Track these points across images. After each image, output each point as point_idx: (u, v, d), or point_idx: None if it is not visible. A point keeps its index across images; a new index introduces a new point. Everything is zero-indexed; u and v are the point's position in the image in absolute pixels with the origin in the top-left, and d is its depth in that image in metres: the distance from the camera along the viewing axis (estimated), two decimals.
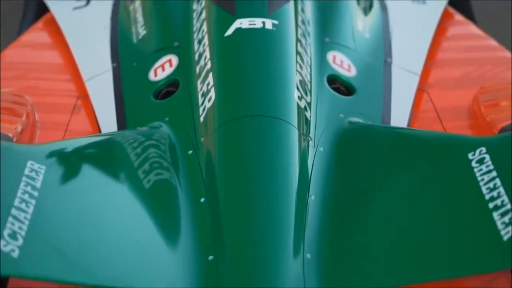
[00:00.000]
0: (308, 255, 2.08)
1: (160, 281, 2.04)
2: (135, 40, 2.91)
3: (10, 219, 1.92)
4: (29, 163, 2.09)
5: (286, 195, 2.18)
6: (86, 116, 2.73)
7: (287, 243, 2.09)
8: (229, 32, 2.57)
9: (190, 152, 2.37)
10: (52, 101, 2.81)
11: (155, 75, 2.71)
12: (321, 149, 2.36)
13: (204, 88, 2.48)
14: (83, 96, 2.80)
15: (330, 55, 2.73)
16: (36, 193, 2.02)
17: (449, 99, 2.77)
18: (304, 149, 2.31)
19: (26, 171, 2.07)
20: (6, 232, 1.88)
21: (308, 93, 2.49)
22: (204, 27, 2.67)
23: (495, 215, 1.95)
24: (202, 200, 2.22)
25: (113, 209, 2.14)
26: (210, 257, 2.09)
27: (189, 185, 2.27)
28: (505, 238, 1.90)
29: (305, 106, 2.42)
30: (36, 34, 3.22)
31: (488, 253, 1.92)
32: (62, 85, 2.91)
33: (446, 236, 2.01)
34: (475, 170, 2.08)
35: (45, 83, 2.93)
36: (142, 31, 2.91)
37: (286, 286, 2.01)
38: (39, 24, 3.28)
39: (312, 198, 2.21)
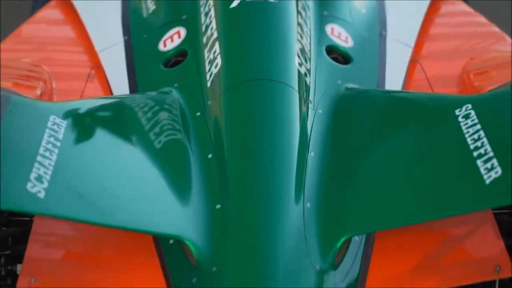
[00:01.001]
0: (308, 204, 2.26)
1: (171, 226, 2.22)
2: (145, 15, 3.09)
3: (36, 164, 2.11)
4: (51, 118, 2.28)
5: (288, 151, 2.36)
6: (100, 84, 2.91)
7: (289, 193, 2.27)
8: (234, 4, 2.75)
9: (198, 114, 2.55)
10: (67, 70, 3.00)
11: (164, 45, 2.89)
12: (320, 111, 2.54)
13: (211, 56, 2.66)
14: (97, 66, 2.98)
15: (328, 27, 2.91)
16: (58, 144, 2.21)
17: (440, 69, 2.95)
18: (304, 111, 2.49)
19: (49, 124, 2.25)
20: (32, 176, 2.07)
21: (308, 61, 2.67)
22: (211, 1, 2.85)
23: (479, 162, 2.14)
24: (210, 156, 2.40)
25: (128, 161, 2.33)
26: (218, 206, 2.26)
27: (198, 143, 2.45)
28: (488, 181, 2.09)
29: (305, 72, 2.60)
30: (50, 11, 3.40)
31: (473, 195, 2.11)
32: (76, 56, 3.09)
33: (435, 182, 2.19)
34: (461, 124, 2.26)
35: (60, 54, 3.12)
36: (151, 6, 3.09)
37: (288, 231, 2.19)
38: (53, 2, 3.45)
39: (311, 154, 2.38)
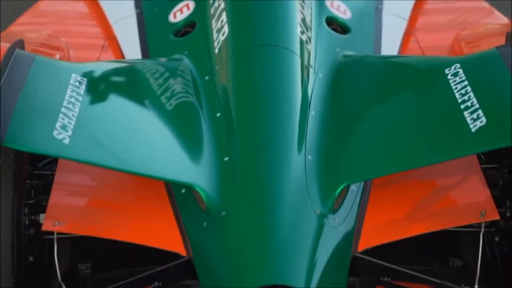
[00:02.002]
0: (309, 157, 2.45)
1: (184, 175, 2.41)
2: None
3: (61, 115, 2.31)
4: (73, 75, 2.48)
5: (290, 110, 2.55)
6: (114, 54, 3.11)
7: (291, 146, 2.46)
8: None
9: (207, 78, 2.74)
10: (83, 41, 3.20)
11: (174, 17, 3.09)
12: (320, 75, 2.73)
13: (219, 25, 2.86)
14: (110, 37, 3.18)
15: (328, 1, 3.11)
16: (80, 98, 2.41)
17: (433, 40, 3.15)
18: (306, 74, 2.69)
19: (71, 81, 2.45)
20: (58, 125, 2.27)
21: (309, 30, 2.87)
22: None
23: (466, 113, 2.33)
24: (218, 114, 2.59)
25: (144, 117, 2.53)
26: (226, 158, 2.46)
27: (207, 104, 2.65)
28: (473, 130, 2.29)
29: (306, 40, 2.80)
30: None
31: (460, 142, 2.31)
32: (91, 29, 3.30)
33: (426, 132, 2.39)
34: (450, 81, 2.46)
35: (75, 27, 3.33)
36: None
37: (290, 180, 2.38)
38: None
39: (312, 113, 2.58)
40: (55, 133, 2.25)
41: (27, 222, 2.55)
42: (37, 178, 2.64)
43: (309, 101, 2.61)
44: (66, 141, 2.25)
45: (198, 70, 2.80)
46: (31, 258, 2.59)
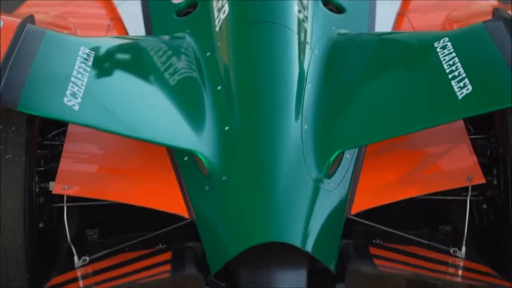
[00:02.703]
0: (306, 126, 2.59)
1: (187, 142, 2.55)
2: None
3: (71, 84, 2.44)
4: (81, 48, 2.62)
5: (287, 83, 2.69)
6: (119, 33, 3.25)
7: (288, 116, 2.59)
8: None
9: (208, 54, 2.88)
10: (89, 22, 3.33)
11: None
12: (316, 51, 2.87)
13: (219, 5, 2.99)
14: (115, 18, 3.32)
15: None
16: (88, 69, 2.54)
17: (425, 20, 3.29)
18: (302, 50, 2.82)
19: (80, 53, 2.59)
20: (68, 92, 2.41)
21: (306, 9, 3.01)
22: None
23: (453, 82, 2.47)
24: (219, 87, 2.73)
25: (150, 88, 2.67)
26: (226, 128, 2.59)
27: (208, 78, 2.78)
28: (460, 97, 2.42)
29: (303, 18, 2.93)
30: None
31: (448, 109, 2.44)
32: (96, 10, 3.44)
33: (416, 100, 2.53)
34: (439, 53, 2.60)
35: (81, 8, 3.46)
36: None
37: (287, 148, 2.51)
38: None
39: (308, 86, 2.71)
40: (65, 99, 2.38)
41: (37, 190, 2.68)
42: (47, 148, 2.78)
43: (306, 75, 2.74)
44: (76, 108, 2.39)
45: (199, 47, 2.93)
46: (41, 225, 2.73)
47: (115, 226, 2.74)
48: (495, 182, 2.71)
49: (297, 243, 2.31)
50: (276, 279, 2.30)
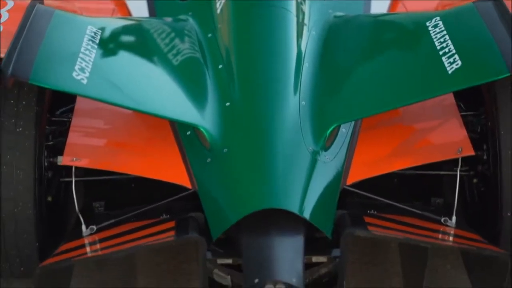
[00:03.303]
0: (303, 102, 2.71)
1: (190, 116, 2.66)
2: None
3: (79, 59, 2.57)
4: (89, 27, 2.74)
5: (286, 61, 2.81)
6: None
7: (287, 93, 2.71)
8: None
9: (209, 35, 3.00)
10: (94, 6, 3.44)
11: None
12: (313, 32, 2.99)
13: None
14: (120, 4, 3.43)
15: None
16: (95, 46, 2.67)
17: (419, 5, 3.40)
18: (300, 32, 2.94)
19: (87, 32, 2.71)
20: (77, 67, 2.53)
21: None
22: None
23: (444, 58, 2.59)
24: (220, 66, 2.85)
25: (154, 66, 2.79)
26: (227, 104, 2.71)
27: (210, 58, 2.90)
28: (450, 72, 2.54)
29: (301, 1, 3.05)
30: None
31: (439, 83, 2.57)
32: None
33: (409, 76, 2.65)
34: (431, 31, 2.72)
35: None
36: None
37: (285, 122, 2.63)
38: None
39: (306, 65, 2.83)
40: (74, 74, 2.51)
41: (46, 164, 2.80)
42: (55, 124, 2.90)
43: (303, 55, 2.86)
44: (84, 81, 2.51)
45: (201, 29, 3.05)
46: (49, 198, 2.85)
47: (120, 200, 2.85)
48: (485, 156, 2.83)
49: (294, 209, 2.43)
50: (274, 244, 2.40)
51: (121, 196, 2.88)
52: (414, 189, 2.92)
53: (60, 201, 2.97)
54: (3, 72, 2.46)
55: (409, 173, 2.87)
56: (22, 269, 2.77)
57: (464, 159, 2.81)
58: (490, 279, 2.54)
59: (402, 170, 2.82)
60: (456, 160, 2.71)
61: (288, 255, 2.39)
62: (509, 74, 2.48)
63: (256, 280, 2.32)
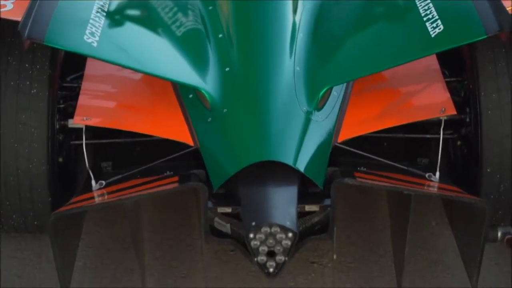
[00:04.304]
0: (297, 68, 2.90)
1: (192, 79, 2.86)
2: None
3: (89, 25, 2.77)
4: None
5: (281, 31, 3.00)
6: None
7: (282, 59, 2.91)
8: None
9: (210, 8, 3.20)
10: None
11: None
12: (307, 6, 3.18)
13: None
14: None
15: None
16: (104, 14, 2.86)
17: None
18: (295, 4, 3.14)
19: (96, 2, 2.90)
20: (87, 31, 2.73)
21: None
22: None
23: (427, 23, 2.79)
24: (221, 35, 3.04)
25: (159, 34, 2.98)
26: (227, 69, 2.91)
27: (211, 28, 3.09)
28: (433, 35, 2.74)
29: None
30: None
31: (422, 45, 2.76)
32: None
33: (395, 40, 2.85)
34: (416, 1, 2.91)
35: None
36: None
37: (281, 85, 2.82)
38: None
39: (300, 35, 3.03)
40: (85, 37, 2.71)
41: (57, 127, 3.01)
42: (66, 90, 3.10)
43: (298, 25, 3.06)
44: (95, 44, 2.71)
45: (203, 2, 3.25)
46: (60, 159, 3.06)
47: (127, 162, 3.05)
48: (467, 119, 3.04)
49: (289, 162, 2.63)
50: (270, 192, 2.61)
51: (127, 159, 3.08)
52: (402, 152, 3.12)
53: (70, 163, 3.18)
54: (20, 34, 2.66)
55: (398, 136, 3.08)
56: (36, 223, 2.98)
57: (449, 123, 3.03)
58: (470, 227, 2.75)
59: (390, 133, 3.04)
60: (441, 125, 2.91)
61: (282, 201, 2.60)
62: (486, 36, 2.68)
63: (254, 223, 2.53)
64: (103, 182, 2.86)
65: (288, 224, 2.53)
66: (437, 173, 2.87)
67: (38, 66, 2.88)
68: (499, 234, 3.07)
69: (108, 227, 3.23)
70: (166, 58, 2.90)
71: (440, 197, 2.97)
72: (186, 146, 2.84)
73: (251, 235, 2.55)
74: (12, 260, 3.12)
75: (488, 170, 2.90)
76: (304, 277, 3.03)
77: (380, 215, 3.24)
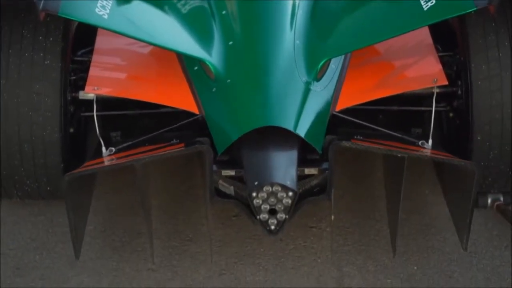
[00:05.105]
0: (297, 41, 3.06)
1: (198, 51, 3.01)
2: None
3: None
4: None
5: (282, 8, 3.15)
6: None
7: (283, 33, 3.06)
8: None
9: None
10: None
11: None
12: None
13: None
14: None
15: None
16: None
17: None
18: None
19: None
20: (99, 4, 2.88)
21: None
22: None
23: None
24: (224, 12, 3.20)
25: (167, 11, 3.13)
26: (230, 43, 3.06)
27: (215, 6, 3.24)
28: (425, 9, 2.89)
29: None
30: None
31: (416, 18, 2.92)
32: None
33: (390, 15, 3.00)
34: None
35: None
36: None
37: (281, 57, 2.97)
38: None
39: (300, 12, 3.18)
40: (96, 10, 2.87)
41: (69, 98, 3.16)
42: (77, 63, 3.26)
43: (298, 3, 3.21)
44: (106, 16, 2.87)
45: None
46: (71, 130, 3.21)
47: (135, 132, 3.21)
48: (459, 91, 3.19)
49: (289, 127, 2.78)
50: (271, 155, 2.77)
51: (135, 130, 3.24)
52: (397, 124, 3.27)
53: (80, 134, 3.34)
54: (35, 7, 2.82)
55: (393, 109, 3.24)
56: (48, 188, 3.14)
57: (442, 96, 3.19)
58: (461, 190, 2.90)
59: (386, 106, 3.21)
60: (435, 97, 3.07)
61: (283, 163, 2.76)
62: (475, 9, 2.84)
63: (256, 183, 2.69)
64: (113, 149, 3.02)
65: (288, 183, 2.69)
66: (430, 141, 3.03)
67: (51, 39, 3.05)
68: (489, 200, 3.24)
69: (116, 195, 3.39)
70: (174, 32, 3.05)
71: (431, 160, 3.12)
72: (191, 116, 3.00)
73: (254, 194, 2.70)
74: (27, 224, 3.29)
75: (479, 138, 3.05)
76: (304, 241, 3.19)
77: (376, 184, 3.40)
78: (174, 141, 3.04)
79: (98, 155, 3.03)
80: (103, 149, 3.02)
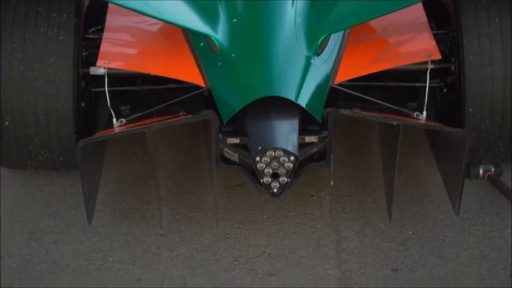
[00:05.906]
0: (298, 19, 3.22)
1: (204, 27, 3.17)
2: None
3: None
4: None
5: None
6: None
7: (284, 11, 3.21)
8: None
9: None
10: None
11: None
12: None
13: None
14: None
15: None
16: None
17: None
18: None
19: None
20: None
21: None
22: None
23: None
24: None
25: None
26: (234, 20, 3.23)
27: None
28: None
29: None
30: None
31: None
32: None
33: None
34: None
35: None
36: None
37: (283, 34, 3.14)
38: None
39: None
40: None
41: (81, 73, 3.33)
42: (88, 41, 3.43)
43: None
44: None
45: None
46: (83, 104, 3.38)
47: (143, 107, 3.37)
48: (452, 68, 3.36)
49: (291, 97, 2.95)
50: (274, 122, 2.93)
51: (143, 105, 3.40)
52: (393, 100, 3.43)
53: (91, 109, 3.50)
54: None
55: (389, 85, 3.40)
56: (61, 159, 3.30)
57: (436, 72, 3.35)
58: (453, 158, 3.07)
59: (383, 82, 3.37)
60: (430, 74, 3.23)
61: (285, 130, 2.93)
62: None
63: (260, 148, 2.86)
64: (123, 120, 3.19)
65: (290, 148, 2.86)
66: (424, 112, 3.19)
67: (64, 16, 3.21)
68: (481, 171, 3.41)
69: (126, 165, 3.56)
70: (181, 10, 3.21)
71: (425, 128, 3.29)
72: (198, 86, 3.17)
73: (258, 158, 2.87)
74: (41, 193, 3.45)
75: (470, 110, 3.22)
76: (304, 208, 3.36)
77: (374, 156, 3.57)
78: (181, 113, 3.20)
79: (109, 126, 3.20)
80: (114, 120, 3.18)
